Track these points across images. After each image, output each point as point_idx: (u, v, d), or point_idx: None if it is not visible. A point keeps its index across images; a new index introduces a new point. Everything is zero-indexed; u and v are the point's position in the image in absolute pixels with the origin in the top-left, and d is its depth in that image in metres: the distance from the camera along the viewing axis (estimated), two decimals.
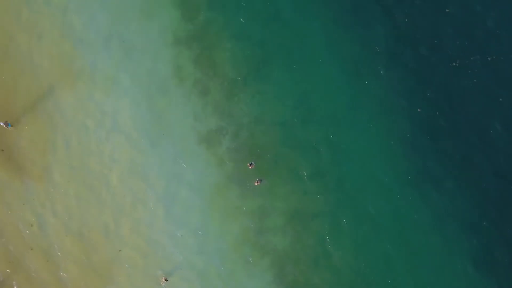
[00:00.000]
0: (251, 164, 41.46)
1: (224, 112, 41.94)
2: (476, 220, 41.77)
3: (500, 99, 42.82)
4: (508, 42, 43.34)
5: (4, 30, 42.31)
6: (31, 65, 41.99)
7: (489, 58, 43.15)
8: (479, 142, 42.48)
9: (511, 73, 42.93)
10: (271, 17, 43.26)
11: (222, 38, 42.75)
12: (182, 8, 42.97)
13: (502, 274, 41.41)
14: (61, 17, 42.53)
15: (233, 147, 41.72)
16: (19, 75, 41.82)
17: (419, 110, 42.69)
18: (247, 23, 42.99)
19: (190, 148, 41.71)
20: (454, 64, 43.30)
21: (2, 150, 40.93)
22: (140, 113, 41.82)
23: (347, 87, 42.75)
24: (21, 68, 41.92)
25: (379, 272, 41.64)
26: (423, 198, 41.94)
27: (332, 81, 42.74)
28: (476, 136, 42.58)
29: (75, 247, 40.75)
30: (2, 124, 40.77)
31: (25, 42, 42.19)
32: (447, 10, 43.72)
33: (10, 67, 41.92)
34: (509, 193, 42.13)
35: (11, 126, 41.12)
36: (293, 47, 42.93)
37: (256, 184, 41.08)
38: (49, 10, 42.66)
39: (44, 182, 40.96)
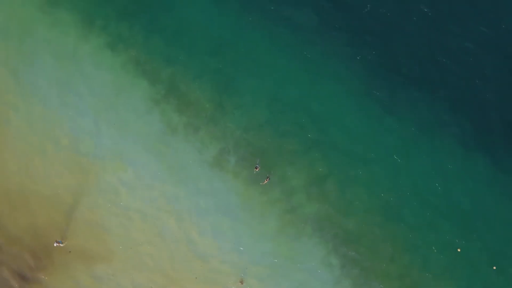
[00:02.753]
0: (256, 167, 49.81)
1: (219, 136, 50.33)
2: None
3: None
4: None
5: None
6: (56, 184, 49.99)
7: None
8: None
9: None
10: (214, 50, 52.07)
11: (187, 82, 51.33)
12: (145, 76, 51.36)
13: None
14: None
15: (239, 158, 50.07)
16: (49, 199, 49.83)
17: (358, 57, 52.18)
18: (201, 61, 51.67)
19: (207, 176, 49.89)
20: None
21: (70, 251, 48.88)
22: (155, 170, 49.87)
23: (303, 73, 51.88)
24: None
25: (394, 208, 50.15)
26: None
27: (288, 71, 51.80)
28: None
29: None
30: (55, 244, 47.99)
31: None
32: None
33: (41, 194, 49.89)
34: None
35: (62, 243, 48.45)
36: (243, 62, 51.75)
37: (266, 182, 49.49)
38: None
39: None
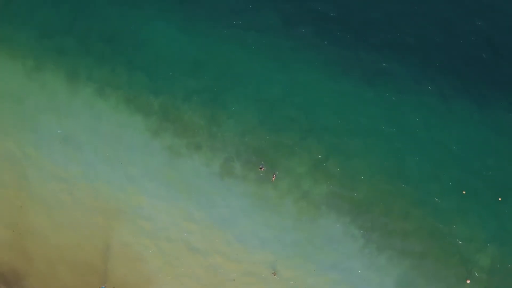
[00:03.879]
0: (261, 167, 53.31)
1: (219, 147, 53.71)
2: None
3: None
4: None
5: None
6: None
7: None
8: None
9: None
10: (194, 72, 55.73)
11: (178, 107, 54.63)
12: (138, 112, 54.67)
13: None
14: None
15: (244, 162, 53.42)
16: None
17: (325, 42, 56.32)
18: (185, 84, 55.21)
19: (220, 188, 53.13)
20: None
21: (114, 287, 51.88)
22: (170, 194, 52.84)
23: (280, 71, 55.82)
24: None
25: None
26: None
27: (265, 72, 55.65)
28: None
29: None
30: None
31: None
32: None
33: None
34: None
35: (106, 287, 51.37)
36: (223, 75, 55.51)
37: (274, 178, 52.96)
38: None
39: None
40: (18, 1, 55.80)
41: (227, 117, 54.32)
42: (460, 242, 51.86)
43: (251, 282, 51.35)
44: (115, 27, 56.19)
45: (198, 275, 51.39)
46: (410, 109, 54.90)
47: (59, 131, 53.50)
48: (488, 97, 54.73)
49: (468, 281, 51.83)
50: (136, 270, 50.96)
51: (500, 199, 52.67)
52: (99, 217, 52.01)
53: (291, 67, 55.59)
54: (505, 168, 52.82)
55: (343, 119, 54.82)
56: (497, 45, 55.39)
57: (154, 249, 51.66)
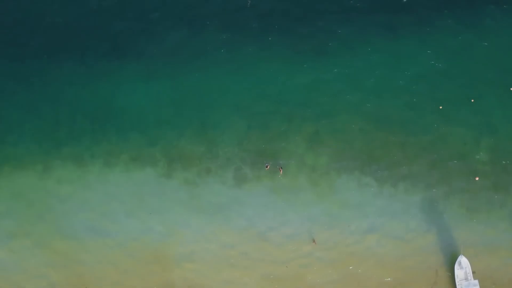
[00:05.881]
0: (266, 166, 59.30)
1: (225, 162, 59.27)
2: None
3: None
4: None
5: None
6: None
7: None
8: None
9: None
10: (175, 111, 61.80)
11: (176, 145, 59.98)
12: (145, 164, 60.10)
13: None
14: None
15: (251, 166, 59.39)
16: None
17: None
18: (173, 125, 61.11)
19: (241, 195, 58.77)
20: None
21: None
22: (204, 222, 58.22)
23: (245, 76, 62.28)
24: None
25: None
26: None
27: (234, 85, 62.01)
28: None
29: None
30: None
31: None
32: None
33: None
34: None
35: None
36: (201, 103, 61.63)
37: (281, 172, 58.84)
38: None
39: None
40: (5, 122, 61.53)
41: (220, 134, 60.30)
42: (457, 148, 58.65)
43: (301, 262, 57.28)
44: (92, 105, 61.52)
45: (256, 278, 57.00)
46: (379, 61, 62.41)
47: (85, 210, 58.92)
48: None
49: (477, 178, 58.28)
50: None
51: (472, 100, 59.47)
52: (156, 266, 57.66)
53: (256, 72, 61.84)
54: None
55: (317, 93, 61.44)
56: None
57: (207, 274, 56.74)
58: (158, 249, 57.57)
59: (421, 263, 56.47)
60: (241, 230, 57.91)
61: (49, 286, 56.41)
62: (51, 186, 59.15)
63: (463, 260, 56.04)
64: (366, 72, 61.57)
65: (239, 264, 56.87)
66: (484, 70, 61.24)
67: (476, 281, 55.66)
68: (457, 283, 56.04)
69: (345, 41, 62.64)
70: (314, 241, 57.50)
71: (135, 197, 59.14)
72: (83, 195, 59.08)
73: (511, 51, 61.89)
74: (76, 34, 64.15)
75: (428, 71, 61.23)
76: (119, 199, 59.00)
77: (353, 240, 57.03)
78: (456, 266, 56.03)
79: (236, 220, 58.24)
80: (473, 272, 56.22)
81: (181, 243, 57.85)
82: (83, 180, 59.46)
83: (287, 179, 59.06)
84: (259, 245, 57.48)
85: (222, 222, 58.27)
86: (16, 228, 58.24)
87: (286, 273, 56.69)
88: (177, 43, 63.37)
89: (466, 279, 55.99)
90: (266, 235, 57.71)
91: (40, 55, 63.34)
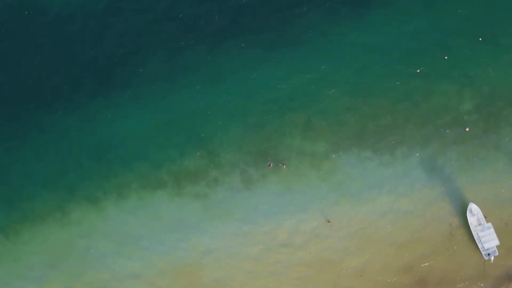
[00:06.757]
0: (269, 164, 61.93)
1: (230, 169, 62.37)
2: None
3: None
4: None
5: None
6: None
7: None
8: None
9: None
10: (168, 133, 64.30)
11: (180, 164, 62.90)
12: (158, 188, 62.58)
13: None
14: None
15: (255, 166, 62.02)
16: None
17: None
18: (173, 146, 63.56)
19: (252, 195, 61.45)
20: None
21: None
22: (224, 228, 61.40)
23: (229, 86, 64.99)
24: None
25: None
26: None
27: (218, 100, 64.44)
28: None
29: None
30: None
31: None
32: None
33: None
34: None
35: None
36: (193, 122, 64.08)
37: (283, 167, 61.60)
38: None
39: None
40: (17, 179, 64.03)
41: (219, 144, 62.94)
42: (442, 105, 61.70)
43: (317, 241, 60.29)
44: (93, 144, 63.86)
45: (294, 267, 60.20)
46: (347, 43, 65.13)
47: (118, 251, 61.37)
48: None
49: (467, 129, 61.05)
50: None
51: (446, 57, 62.23)
52: (187, 278, 60.37)
53: (239, 78, 64.63)
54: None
55: (295, 84, 64.24)
56: None
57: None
58: (186, 262, 60.38)
59: (434, 219, 59.43)
60: (259, 227, 60.71)
61: None
62: (73, 230, 61.61)
63: (473, 207, 58.80)
64: (342, 54, 64.25)
65: (265, 261, 60.03)
66: (452, 24, 64.14)
67: (490, 224, 58.40)
68: (472, 230, 58.75)
69: (316, 29, 65.20)
70: (329, 221, 60.06)
71: (153, 221, 61.66)
72: (104, 230, 61.67)
73: (476, 1, 64.74)
74: (62, 81, 66.17)
75: (399, 39, 63.95)
76: (139, 226, 61.60)
77: (365, 211, 60.25)
78: (468, 214, 58.77)
79: (252, 219, 61.04)
80: (485, 217, 58.88)
81: (205, 252, 60.66)
82: (101, 216, 62.02)
83: (290, 172, 61.92)
84: (280, 238, 60.57)
85: (240, 223, 61.06)
86: (48, 272, 61.11)
87: (311, 258, 59.80)
88: (158, 67, 65.71)
89: (480, 224, 58.64)
90: (283, 226, 60.75)
91: (32, 110, 65.45)
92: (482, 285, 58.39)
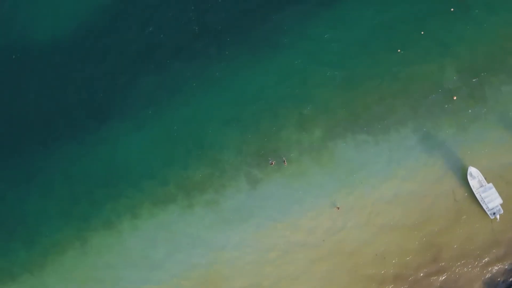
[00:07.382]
0: (271, 163, 63.97)
1: (234, 172, 64.57)
2: None
3: None
4: None
5: None
6: None
7: None
8: None
9: None
10: (171, 148, 66.34)
11: (187, 177, 64.93)
12: (169, 202, 64.31)
13: None
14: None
15: (257, 166, 64.07)
16: None
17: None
18: (178, 161, 65.57)
19: (259, 195, 63.54)
20: None
21: None
22: (235, 230, 63.40)
23: (223, 97, 67.16)
24: None
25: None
26: None
27: (212, 112, 66.52)
28: None
29: None
30: None
31: None
32: None
33: None
34: None
35: None
36: (192, 137, 66.18)
37: (285, 164, 63.76)
38: None
39: None
40: (32, 217, 65.69)
41: (220, 150, 65.00)
42: (427, 79, 64.13)
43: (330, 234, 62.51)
44: (99, 171, 65.63)
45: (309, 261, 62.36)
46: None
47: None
48: None
49: (455, 98, 63.36)
50: None
51: (422, 32, 64.88)
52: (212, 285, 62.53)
53: (227, 85, 66.98)
54: None
55: (282, 81, 66.66)
56: None
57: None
58: (208, 269, 62.60)
59: (437, 189, 61.69)
60: (271, 229, 62.91)
61: None
62: (93, 256, 63.40)
63: (473, 171, 61.01)
64: (322, 47, 66.61)
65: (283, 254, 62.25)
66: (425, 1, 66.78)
67: (491, 184, 60.60)
68: (475, 193, 60.93)
69: (294, 27, 67.42)
70: (337, 207, 62.10)
71: (170, 236, 63.71)
72: (124, 253, 63.48)
73: None
74: (59, 117, 67.95)
75: (374, 24, 66.31)
76: (157, 243, 63.54)
77: (369, 192, 62.74)
78: (468, 178, 60.98)
79: (264, 221, 63.23)
80: (485, 178, 61.03)
81: (225, 258, 62.65)
82: (119, 239, 63.78)
83: (292, 167, 64.18)
84: (294, 237, 62.87)
85: (253, 227, 63.26)
86: None
87: (328, 253, 62.19)
88: (149, 87, 67.64)
89: (482, 185, 60.76)
90: (296, 225, 63.04)
91: (35, 148, 67.19)
92: (495, 251, 60.56)
